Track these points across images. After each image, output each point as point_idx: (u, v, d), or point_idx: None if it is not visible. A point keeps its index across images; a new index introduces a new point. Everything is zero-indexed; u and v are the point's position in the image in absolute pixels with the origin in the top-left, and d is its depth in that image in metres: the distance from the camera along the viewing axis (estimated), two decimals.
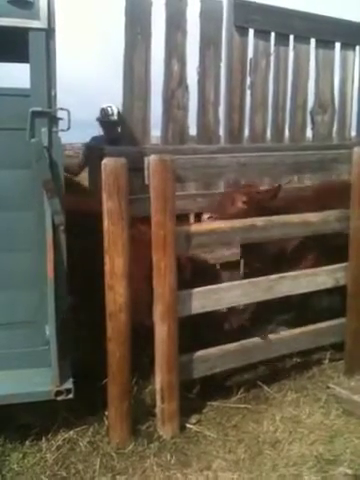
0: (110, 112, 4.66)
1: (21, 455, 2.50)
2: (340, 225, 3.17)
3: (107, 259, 2.52)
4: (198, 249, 2.87)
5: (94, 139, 4.95)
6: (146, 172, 2.59)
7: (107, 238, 2.50)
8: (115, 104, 4.65)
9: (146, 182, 2.61)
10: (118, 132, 4.63)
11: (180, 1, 3.85)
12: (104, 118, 4.68)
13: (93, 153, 3.52)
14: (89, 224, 2.62)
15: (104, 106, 4.70)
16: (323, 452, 2.56)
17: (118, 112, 4.62)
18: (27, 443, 2.56)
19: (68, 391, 2.44)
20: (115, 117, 4.62)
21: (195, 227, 2.75)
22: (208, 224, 2.83)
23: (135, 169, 2.63)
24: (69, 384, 2.46)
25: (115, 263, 2.51)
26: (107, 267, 2.52)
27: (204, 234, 2.76)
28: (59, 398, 2.44)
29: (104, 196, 2.48)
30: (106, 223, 2.49)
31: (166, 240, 2.58)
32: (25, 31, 2.28)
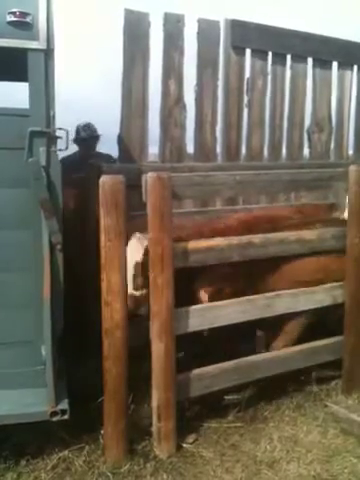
0: (94, 128, 4.69)
1: (16, 475, 2.47)
2: (337, 243, 3.18)
3: (104, 275, 2.52)
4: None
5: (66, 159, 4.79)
6: (143, 189, 2.61)
7: (104, 254, 2.51)
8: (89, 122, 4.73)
9: (143, 199, 2.63)
10: (95, 149, 4.67)
11: (178, 22, 3.90)
12: (90, 133, 4.67)
13: (91, 170, 3.52)
14: None
15: (86, 122, 4.72)
16: (321, 472, 2.53)
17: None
18: (22, 462, 2.54)
19: (63, 412, 2.43)
20: (97, 132, 4.66)
21: (192, 244, 2.75)
22: (205, 241, 2.83)
23: (133, 186, 2.65)
24: (64, 405, 2.44)
25: (112, 279, 2.51)
26: (104, 283, 2.53)
27: (201, 251, 2.77)
28: (54, 419, 2.42)
29: (102, 213, 2.49)
30: (103, 239, 2.50)
31: (163, 257, 2.58)
32: (24, 52, 2.32)
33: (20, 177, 2.39)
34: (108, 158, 4.42)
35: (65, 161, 4.49)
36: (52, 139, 2.41)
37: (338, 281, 3.20)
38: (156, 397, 2.66)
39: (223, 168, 3.88)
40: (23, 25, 2.31)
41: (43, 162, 2.37)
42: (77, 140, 4.69)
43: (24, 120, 2.37)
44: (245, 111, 4.38)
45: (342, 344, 3.25)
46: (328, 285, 3.21)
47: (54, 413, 2.42)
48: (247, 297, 2.95)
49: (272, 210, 3.83)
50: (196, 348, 3.25)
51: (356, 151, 5.15)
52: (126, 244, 2.57)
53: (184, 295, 2.72)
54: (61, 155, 4.40)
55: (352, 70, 4.95)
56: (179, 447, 2.73)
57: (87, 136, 4.66)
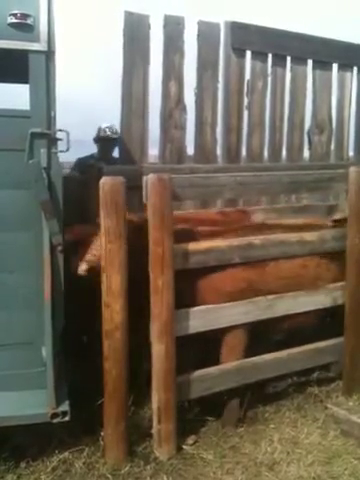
0: (114, 130, 4.63)
1: (16, 477, 2.47)
2: (337, 244, 3.18)
3: (104, 277, 2.52)
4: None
5: (82, 160, 4.62)
6: (144, 190, 2.61)
7: (104, 256, 2.51)
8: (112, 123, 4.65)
9: (144, 200, 2.63)
10: (111, 152, 4.63)
11: (178, 24, 3.91)
12: (111, 135, 4.62)
13: (91, 171, 3.52)
14: None
15: (108, 124, 4.66)
16: (321, 473, 2.53)
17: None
18: (22, 465, 2.54)
19: (64, 413, 2.42)
20: (117, 135, 4.59)
21: (193, 245, 2.75)
22: (206, 242, 2.83)
23: (133, 187, 2.65)
24: (65, 406, 2.44)
25: (112, 281, 2.51)
26: (104, 285, 2.53)
27: (202, 252, 2.77)
28: (55, 421, 2.42)
29: (102, 214, 2.49)
30: (103, 241, 2.50)
31: (164, 258, 2.58)
32: (25, 53, 2.32)
33: (21, 178, 2.39)
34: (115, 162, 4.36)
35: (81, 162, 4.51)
36: (53, 140, 2.41)
37: (261, 293, 2.98)
38: (156, 399, 2.66)
39: (223, 170, 3.88)
40: (24, 27, 2.31)
41: (44, 163, 2.37)
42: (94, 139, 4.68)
43: (25, 121, 2.36)
44: (245, 113, 4.39)
45: (342, 345, 3.24)
46: (328, 286, 3.21)
47: (55, 415, 2.41)
48: (249, 299, 2.95)
49: (201, 214, 3.75)
50: None
51: (356, 152, 5.15)
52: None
53: None
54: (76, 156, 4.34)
55: (352, 71, 4.95)
56: (179, 449, 2.73)
57: (98, 137, 4.62)
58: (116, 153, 4.59)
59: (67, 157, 2.82)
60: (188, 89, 4.08)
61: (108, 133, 4.61)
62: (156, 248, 2.58)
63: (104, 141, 4.62)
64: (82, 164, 4.37)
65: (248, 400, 3.11)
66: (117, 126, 4.40)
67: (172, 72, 3.96)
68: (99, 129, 4.66)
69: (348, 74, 4.94)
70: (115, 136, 4.55)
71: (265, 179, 3.06)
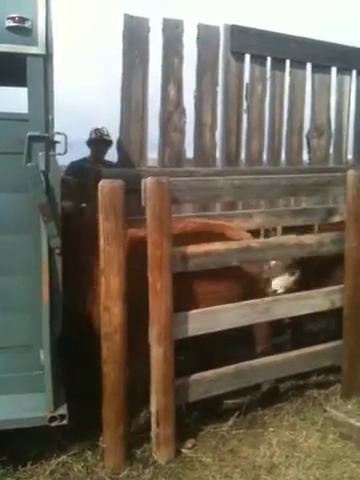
0: (105, 132, 4.62)
1: None
2: (335, 247, 3.18)
3: (103, 279, 2.52)
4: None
5: (75, 163, 4.51)
6: (143, 194, 2.61)
7: (103, 258, 2.51)
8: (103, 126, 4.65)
9: (143, 204, 2.63)
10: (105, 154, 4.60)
11: (177, 27, 3.93)
12: (103, 137, 4.61)
13: (90, 174, 3.53)
14: None
15: (99, 126, 4.66)
16: (320, 477, 2.53)
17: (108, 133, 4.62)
18: (20, 468, 2.53)
19: (62, 417, 2.42)
20: (110, 137, 4.59)
21: (191, 248, 2.75)
22: (204, 246, 2.83)
23: (131, 190, 2.65)
24: (63, 410, 2.44)
25: (111, 283, 2.51)
26: (103, 287, 2.53)
27: (200, 255, 2.76)
28: (53, 424, 2.41)
29: (101, 217, 2.50)
30: (102, 243, 2.50)
31: (162, 261, 2.58)
32: (23, 57, 2.32)
33: (19, 182, 2.39)
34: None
35: (74, 165, 4.48)
36: (51, 143, 2.42)
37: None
38: (155, 402, 2.66)
39: (222, 173, 3.89)
40: (22, 30, 2.31)
41: (42, 166, 2.37)
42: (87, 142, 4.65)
43: (23, 125, 2.36)
44: (244, 116, 4.40)
45: (341, 349, 3.24)
46: (326, 289, 3.21)
47: (53, 418, 2.41)
48: (246, 302, 2.95)
49: None
50: None
51: (355, 156, 5.16)
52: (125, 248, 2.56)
53: None
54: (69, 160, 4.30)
55: (351, 75, 4.97)
56: (178, 452, 2.72)
57: (96, 138, 4.59)
58: (109, 156, 4.60)
59: (62, 160, 2.81)
60: (187, 92, 4.10)
61: (100, 134, 4.58)
62: (155, 251, 2.58)
63: (96, 143, 4.59)
64: (75, 167, 4.35)
65: (247, 403, 3.11)
66: (109, 129, 4.42)
67: (171, 75, 3.98)
68: (91, 131, 4.65)
69: (347, 77, 4.96)
70: (108, 138, 4.56)
71: (264, 182, 3.06)
